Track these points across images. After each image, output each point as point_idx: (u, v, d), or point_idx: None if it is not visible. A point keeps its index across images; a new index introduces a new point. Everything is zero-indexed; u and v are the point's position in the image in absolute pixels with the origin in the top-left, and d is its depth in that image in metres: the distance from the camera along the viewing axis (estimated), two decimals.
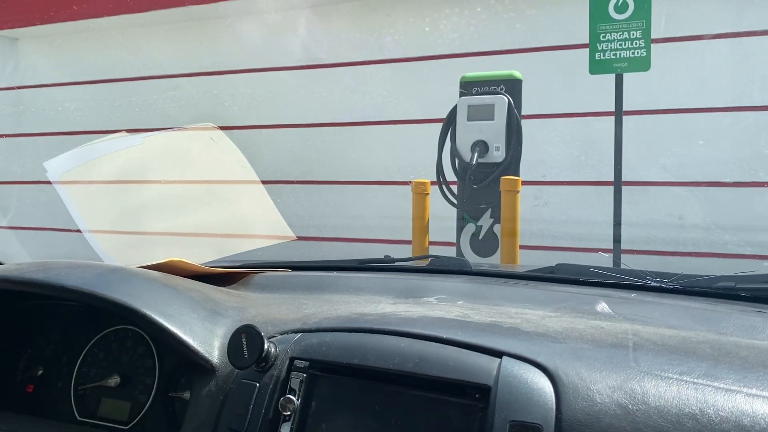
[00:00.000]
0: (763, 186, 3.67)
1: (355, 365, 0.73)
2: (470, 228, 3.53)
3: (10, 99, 6.18)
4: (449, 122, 3.60)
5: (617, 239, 3.35)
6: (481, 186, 3.42)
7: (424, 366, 0.70)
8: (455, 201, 3.53)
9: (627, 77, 3.24)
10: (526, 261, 3.52)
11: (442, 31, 4.58)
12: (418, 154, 4.04)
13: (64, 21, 5.51)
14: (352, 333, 0.77)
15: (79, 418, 1.01)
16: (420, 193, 3.53)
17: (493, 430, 0.63)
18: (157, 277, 0.96)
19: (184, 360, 0.87)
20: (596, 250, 3.84)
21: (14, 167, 5.62)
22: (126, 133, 1.15)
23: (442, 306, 0.90)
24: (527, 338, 0.73)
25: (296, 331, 0.80)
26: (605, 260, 3.41)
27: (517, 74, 3.54)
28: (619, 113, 3.27)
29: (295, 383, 0.75)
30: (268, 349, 0.76)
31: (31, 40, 6.21)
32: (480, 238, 3.51)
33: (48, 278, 0.89)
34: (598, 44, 3.33)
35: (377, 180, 4.64)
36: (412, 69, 4.59)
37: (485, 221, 3.53)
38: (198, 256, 1.25)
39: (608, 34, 3.26)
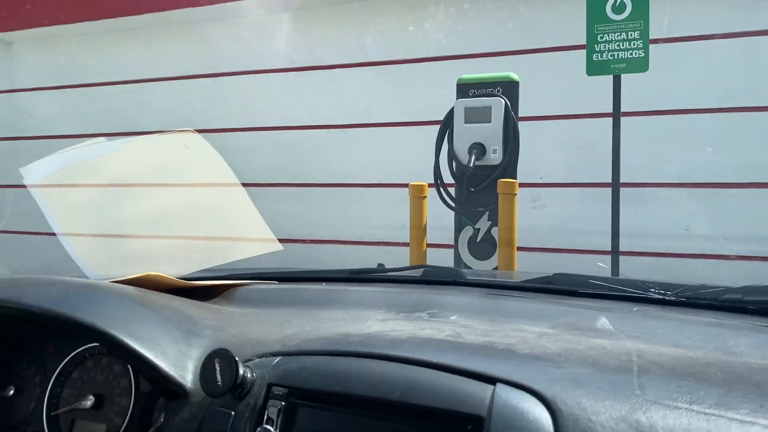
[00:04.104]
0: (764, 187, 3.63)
1: (337, 393, 0.67)
2: (468, 231, 3.49)
3: None
4: (446, 125, 3.56)
5: (615, 247, 3.29)
6: (479, 189, 3.38)
7: (412, 394, 0.64)
8: (453, 204, 3.48)
9: (625, 78, 3.19)
10: (524, 264, 3.48)
11: (437, 32, 4.53)
12: (415, 157, 3.98)
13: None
14: (335, 357, 0.71)
15: None
16: (418, 197, 3.48)
17: None
18: (130, 293, 0.91)
19: (153, 384, 0.82)
20: (595, 252, 3.80)
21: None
22: (104, 139, 1.10)
23: (433, 323, 0.84)
24: (523, 362, 0.68)
25: (275, 354, 0.75)
26: (604, 268, 3.37)
27: (514, 76, 3.50)
28: (617, 115, 3.23)
29: (272, 412, 0.69)
30: (243, 374, 0.70)
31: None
32: (478, 241, 3.46)
33: (11, 297, 0.84)
34: (595, 45, 3.29)
35: (375, 183, 4.59)
36: (409, 71, 4.54)
37: (483, 224, 3.49)
38: (180, 265, 1.19)
39: (606, 35, 3.22)
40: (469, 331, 0.78)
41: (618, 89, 3.20)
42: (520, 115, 3.38)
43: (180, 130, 1.11)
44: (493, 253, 3.41)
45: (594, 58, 3.26)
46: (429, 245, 3.57)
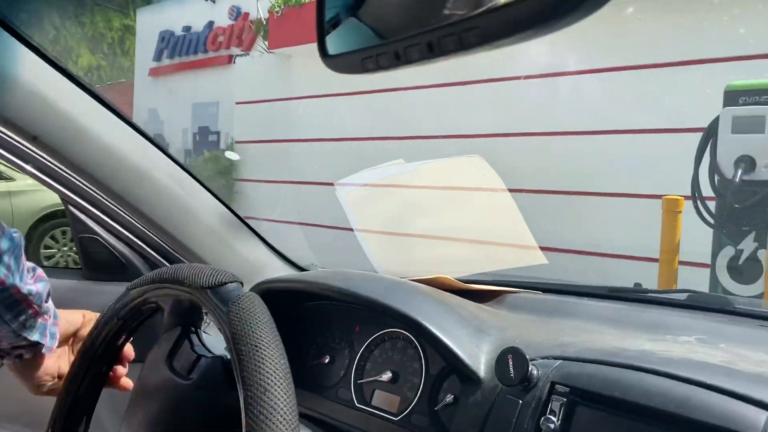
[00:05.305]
0: None
1: (615, 398, 0.78)
2: (728, 251, 3.25)
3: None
4: (709, 134, 3.35)
5: None
6: (745, 206, 3.13)
7: (687, 408, 0.72)
8: (712, 221, 3.27)
9: None
10: None
11: (703, 32, 4.24)
12: (671, 168, 3.80)
13: None
14: (613, 367, 0.82)
15: (357, 404, 1.18)
16: (671, 210, 3.34)
17: None
18: (430, 292, 1.11)
19: (452, 369, 0.99)
20: None
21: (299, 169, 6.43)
22: (403, 161, 1.33)
23: (703, 348, 0.90)
24: None
25: (557, 358, 0.88)
26: None
27: None
28: None
29: (555, 406, 0.82)
30: (531, 371, 0.84)
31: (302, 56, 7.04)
32: (740, 263, 3.20)
33: (351, 287, 1.08)
34: None
35: (625, 192, 4.46)
36: (670, 75, 4.32)
37: (747, 245, 3.22)
38: (452, 271, 1.38)
39: None
40: (742, 360, 0.82)
41: None
42: None
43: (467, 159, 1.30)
44: (759, 278, 3.13)
45: None
46: (681, 263, 3.40)
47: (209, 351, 0.91)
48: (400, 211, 1.51)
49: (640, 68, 4.41)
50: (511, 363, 0.84)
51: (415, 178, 1.35)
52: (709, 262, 3.33)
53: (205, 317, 0.97)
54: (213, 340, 0.94)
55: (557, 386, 0.83)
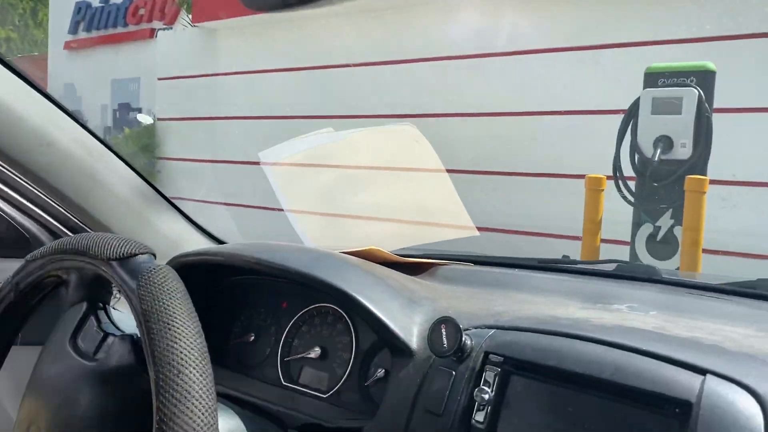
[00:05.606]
0: None
1: (550, 366, 0.76)
2: (647, 228, 3.36)
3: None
4: (631, 115, 3.44)
5: None
6: (663, 184, 3.24)
7: (622, 375, 0.71)
8: (632, 199, 3.38)
9: None
10: (708, 267, 3.28)
11: (626, 17, 4.36)
12: (594, 148, 3.89)
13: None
14: (548, 335, 0.80)
15: (283, 383, 1.13)
16: (594, 189, 3.42)
17: None
18: (360, 263, 1.06)
19: (383, 342, 0.96)
20: None
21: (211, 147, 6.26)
22: (332, 129, 1.27)
23: (635, 315, 0.90)
24: (732, 358, 0.71)
25: (490, 327, 0.85)
26: None
27: (711, 65, 3.29)
28: None
29: (489, 376, 0.79)
30: (464, 341, 0.81)
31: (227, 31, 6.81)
32: (658, 239, 3.33)
33: (274, 259, 1.02)
34: None
35: (548, 172, 4.55)
36: (593, 57, 4.42)
37: (664, 222, 3.34)
38: (382, 244, 1.34)
39: None
40: (674, 326, 0.82)
41: None
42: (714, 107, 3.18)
43: (398, 126, 1.25)
44: (674, 253, 3.26)
45: None
46: (603, 241, 3.50)
47: (118, 329, 0.83)
48: (332, 185, 1.45)
49: (569, 50, 4.49)
50: (444, 333, 0.81)
51: (344, 147, 1.29)
52: (629, 239, 3.45)
53: (114, 292, 0.89)
54: (123, 317, 0.86)
55: (491, 356, 0.80)
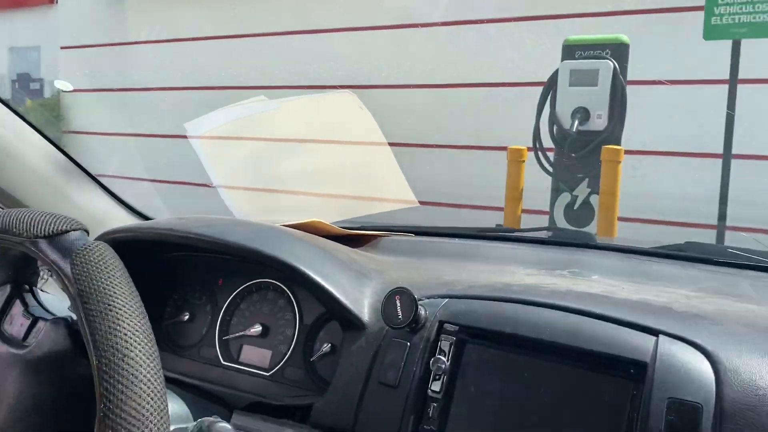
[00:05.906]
0: None
1: (506, 333, 0.76)
2: (565, 197, 3.47)
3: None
4: (549, 87, 3.51)
5: (723, 216, 3.21)
6: (580, 155, 3.35)
7: (578, 339, 0.72)
8: (551, 169, 3.47)
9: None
10: (623, 234, 3.44)
11: None
12: (514, 120, 3.97)
13: None
14: (501, 302, 0.80)
15: (223, 362, 1.09)
16: (515, 161, 3.49)
17: (649, 407, 0.65)
18: (304, 237, 1.02)
19: (333, 316, 0.93)
20: (698, 226, 3.69)
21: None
22: (265, 98, 1.21)
23: (580, 280, 0.91)
24: (681, 318, 0.74)
25: (443, 296, 0.84)
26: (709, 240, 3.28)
27: (624, 38, 3.39)
28: (733, 82, 3.10)
29: (444, 345, 0.79)
30: (419, 311, 0.80)
31: None
32: (575, 208, 3.45)
33: (214, 233, 0.97)
34: (715, 7, 3.14)
35: (470, 145, 4.61)
36: (512, 30, 4.48)
37: (581, 191, 3.46)
38: (321, 216, 1.30)
39: None
40: (619, 290, 0.84)
41: (737, 55, 3.07)
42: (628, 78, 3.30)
43: (336, 93, 1.20)
44: (591, 221, 3.39)
45: (713, 22, 3.12)
46: (524, 211, 3.59)
47: (49, 312, 0.76)
48: (267, 162, 1.40)
49: (491, 22, 4.53)
50: (398, 304, 0.79)
51: (279, 116, 1.24)
52: (548, 208, 3.55)
53: (42, 273, 0.82)
54: (53, 299, 0.79)
55: (446, 325, 0.80)
